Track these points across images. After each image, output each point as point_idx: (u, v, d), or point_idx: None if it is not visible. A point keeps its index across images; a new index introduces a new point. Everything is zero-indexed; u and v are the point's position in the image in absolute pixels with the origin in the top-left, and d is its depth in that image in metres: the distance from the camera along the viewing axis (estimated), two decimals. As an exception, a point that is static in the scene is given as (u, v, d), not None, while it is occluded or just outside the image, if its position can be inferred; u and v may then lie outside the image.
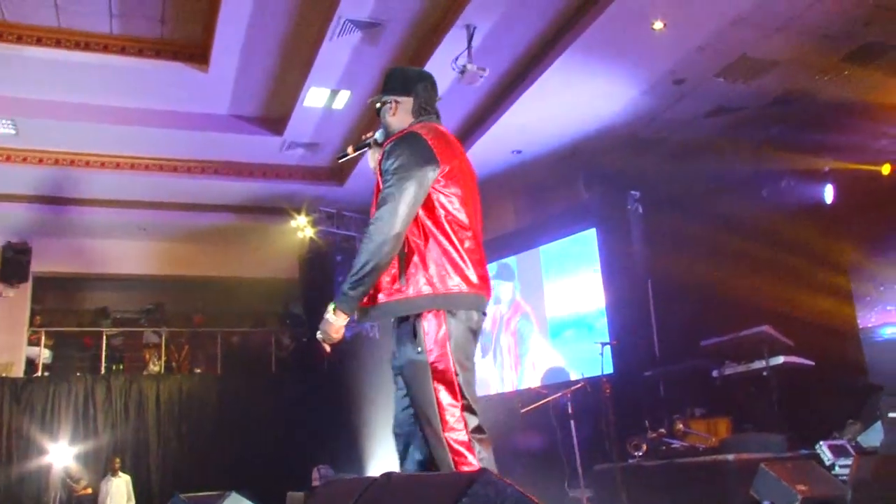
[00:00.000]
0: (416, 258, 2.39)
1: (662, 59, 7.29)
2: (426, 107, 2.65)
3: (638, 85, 7.81)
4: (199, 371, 12.64)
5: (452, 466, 2.27)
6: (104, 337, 12.20)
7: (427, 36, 7.35)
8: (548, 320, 9.22)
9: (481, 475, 1.57)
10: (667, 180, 8.55)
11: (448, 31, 6.93)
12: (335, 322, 2.38)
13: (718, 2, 6.42)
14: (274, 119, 9.47)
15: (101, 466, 10.81)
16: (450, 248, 2.41)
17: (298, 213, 10.94)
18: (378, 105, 2.70)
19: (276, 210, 11.23)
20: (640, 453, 6.53)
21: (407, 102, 2.64)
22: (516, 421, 7.42)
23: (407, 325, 2.41)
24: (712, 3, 6.43)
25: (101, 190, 10.59)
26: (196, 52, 8.19)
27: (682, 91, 7.96)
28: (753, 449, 5.64)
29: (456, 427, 2.31)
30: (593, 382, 6.93)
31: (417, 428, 2.37)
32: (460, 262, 2.40)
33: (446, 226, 2.43)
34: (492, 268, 10.36)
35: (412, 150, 2.45)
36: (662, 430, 6.74)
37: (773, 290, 7.03)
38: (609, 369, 7.53)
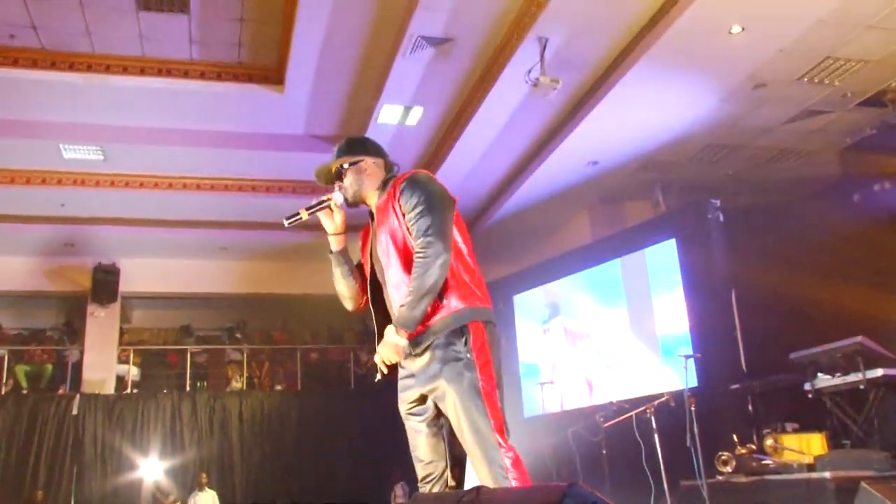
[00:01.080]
0: (449, 277, 2.56)
1: (741, 64, 7.17)
2: (393, 167, 2.81)
3: (716, 92, 7.70)
4: (279, 388, 12.82)
5: (506, 474, 2.38)
6: (188, 354, 12.53)
7: (499, 49, 7.40)
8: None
9: (572, 488, 1.59)
10: (749, 188, 8.39)
11: (520, 44, 6.96)
12: (399, 341, 2.49)
13: (800, 2, 6.28)
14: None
15: (188, 481, 11.09)
16: (473, 269, 2.64)
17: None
18: (345, 165, 2.76)
19: (353, 226, 11.37)
20: (729, 469, 6.41)
21: (379, 163, 2.78)
22: (599, 436, 7.33)
23: (451, 337, 2.54)
24: (794, 4, 6.30)
25: (183, 211, 10.90)
26: (272, 74, 8.40)
27: (763, 96, 7.82)
28: (852, 467, 5.47)
29: (502, 435, 2.45)
30: (677, 396, 6.81)
31: (455, 445, 2.57)
32: (480, 282, 2.63)
33: (464, 248, 2.66)
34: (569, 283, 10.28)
35: (433, 182, 2.63)
36: (752, 446, 6.58)
37: (866, 299, 6.80)
38: (693, 382, 7.43)
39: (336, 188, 2.79)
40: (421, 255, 2.48)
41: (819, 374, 6.47)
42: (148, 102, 8.54)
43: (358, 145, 2.82)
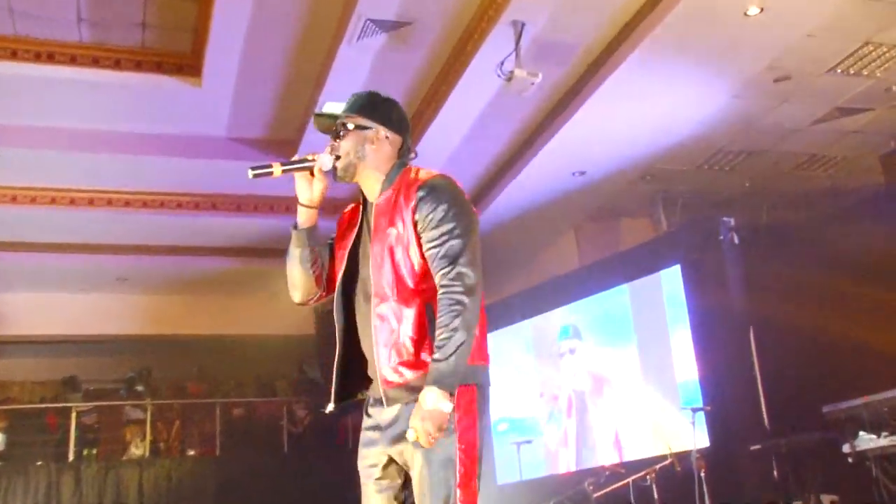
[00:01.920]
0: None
1: (759, 52, 7.20)
2: (410, 153, 2.73)
3: (728, 87, 7.75)
4: (192, 453, 12.59)
5: None
6: (73, 414, 12.10)
7: (466, 36, 7.37)
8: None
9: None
10: (769, 203, 8.47)
11: (492, 30, 6.93)
12: (444, 408, 2.36)
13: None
14: (283, 142, 9.53)
15: None
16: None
17: (316, 255, 11.03)
18: (350, 126, 2.65)
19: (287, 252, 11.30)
20: None
21: (396, 141, 2.68)
22: None
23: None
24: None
25: (69, 232, 10.66)
26: (186, 62, 8.26)
27: (786, 91, 7.86)
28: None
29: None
30: (684, 459, 6.78)
31: None
32: (483, 329, 2.58)
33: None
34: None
35: (460, 193, 2.56)
36: None
37: (918, 338, 6.84)
38: (703, 441, 7.37)
39: (327, 149, 2.66)
40: (452, 289, 2.41)
41: (861, 433, 6.43)
42: (23, 94, 8.27)
43: (378, 107, 2.70)
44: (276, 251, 11.47)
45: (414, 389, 2.46)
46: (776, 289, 8.01)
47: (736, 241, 8.40)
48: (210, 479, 11.93)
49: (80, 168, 9.53)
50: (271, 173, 2.58)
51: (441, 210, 2.49)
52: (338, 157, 2.63)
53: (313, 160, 2.63)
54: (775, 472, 7.46)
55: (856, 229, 7.61)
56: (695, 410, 6.87)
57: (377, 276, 2.56)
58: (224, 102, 8.72)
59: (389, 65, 7.72)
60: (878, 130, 8.68)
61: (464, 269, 2.43)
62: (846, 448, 6.51)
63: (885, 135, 8.74)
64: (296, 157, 2.65)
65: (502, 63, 6.98)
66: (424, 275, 2.51)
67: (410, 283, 2.52)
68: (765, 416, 7.90)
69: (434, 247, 2.48)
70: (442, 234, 2.47)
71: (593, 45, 7.41)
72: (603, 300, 9.77)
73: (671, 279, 8.99)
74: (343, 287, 2.68)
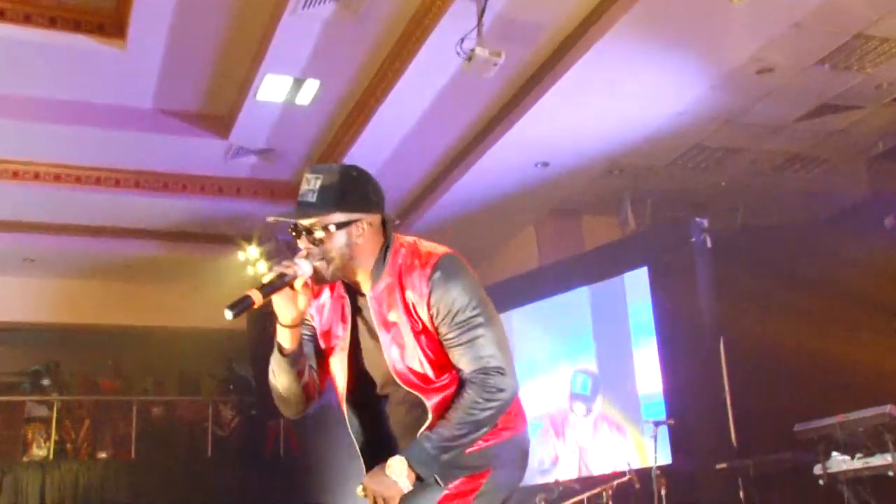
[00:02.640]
0: None
1: (742, 41, 7.22)
2: (390, 224, 2.62)
3: (707, 77, 7.77)
4: (104, 455, 12.44)
5: None
6: (-34, 409, 11.97)
7: (424, 9, 7.30)
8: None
9: None
10: (746, 205, 8.53)
11: (452, 3, 6.88)
12: (402, 483, 2.35)
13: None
14: (217, 116, 9.45)
15: None
16: None
17: (248, 241, 10.98)
18: (332, 227, 2.45)
19: (219, 237, 11.22)
20: None
21: (377, 222, 2.54)
22: None
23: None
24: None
25: None
26: (108, 22, 8.12)
27: (770, 84, 7.88)
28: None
29: None
30: (644, 476, 6.80)
31: None
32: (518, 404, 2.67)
33: None
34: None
35: (471, 274, 2.53)
36: None
37: (897, 356, 6.92)
38: (665, 458, 7.41)
39: (301, 254, 2.46)
40: (488, 393, 2.40)
41: (834, 454, 6.46)
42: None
43: (356, 193, 2.50)
44: (204, 236, 11.52)
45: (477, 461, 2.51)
46: (750, 297, 8.04)
47: (709, 244, 8.44)
48: (123, 485, 11.83)
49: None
50: (252, 304, 2.36)
51: (461, 300, 2.43)
52: (321, 259, 2.45)
53: (293, 273, 2.40)
54: (741, 494, 7.47)
55: (837, 237, 7.71)
56: (657, 424, 6.90)
57: (416, 377, 2.48)
58: (151, 69, 8.58)
59: (338, 37, 7.65)
60: (866, 131, 8.76)
61: (506, 378, 2.43)
62: (817, 469, 6.54)
63: (873, 136, 8.83)
64: (271, 276, 2.41)
65: (462, 40, 6.87)
66: (444, 364, 2.48)
67: (431, 374, 2.47)
68: (732, 433, 7.94)
69: (455, 336, 2.43)
70: (464, 326, 2.43)
71: (562, 25, 7.38)
72: (561, 304, 9.78)
73: (636, 283, 9.01)
74: (349, 394, 2.61)
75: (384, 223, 2.56)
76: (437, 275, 2.43)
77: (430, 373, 2.46)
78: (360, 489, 2.38)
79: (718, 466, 7.56)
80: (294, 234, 2.48)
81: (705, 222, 8.52)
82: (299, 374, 2.54)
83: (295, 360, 2.52)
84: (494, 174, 9.49)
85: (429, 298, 2.43)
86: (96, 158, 9.93)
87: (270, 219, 2.50)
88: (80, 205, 10.54)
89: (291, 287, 2.41)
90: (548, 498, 7.32)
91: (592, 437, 9.39)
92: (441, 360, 2.47)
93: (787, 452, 6.96)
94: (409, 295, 2.45)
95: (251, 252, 10.98)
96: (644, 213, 9.97)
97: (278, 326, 2.48)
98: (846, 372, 7.00)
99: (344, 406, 2.62)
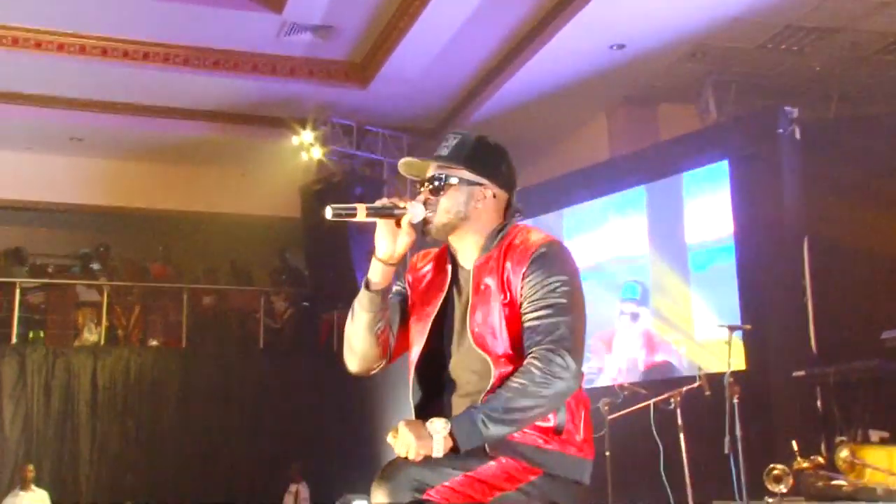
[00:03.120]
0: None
1: None
2: (517, 212, 2.72)
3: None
4: (155, 343, 12.70)
5: None
6: (17, 291, 12.13)
7: None
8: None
9: None
10: (842, 93, 8.25)
11: None
12: (436, 448, 2.36)
13: None
14: (277, -10, 9.39)
15: (5, 476, 10.89)
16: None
17: (303, 125, 10.94)
18: (454, 180, 2.61)
19: (271, 120, 11.18)
20: (783, 489, 6.40)
21: (502, 199, 2.67)
22: (602, 430, 7.24)
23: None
24: None
25: (14, 80, 10.53)
26: None
27: (875, -44, 7.62)
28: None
29: None
30: (715, 382, 6.72)
31: None
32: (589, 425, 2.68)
33: None
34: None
35: (573, 265, 2.58)
36: (819, 458, 6.59)
37: None
38: (740, 365, 7.39)
39: (420, 198, 2.62)
40: (549, 367, 2.42)
41: (923, 365, 6.41)
42: None
43: (488, 158, 2.67)
44: (256, 118, 11.50)
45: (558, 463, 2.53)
46: (839, 196, 7.91)
47: (798, 136, 8.24)
48: (174, 373, 12.14)
49: (24, 4, 9.33)
50: (354, 215, 2.53)
51: (554, 280, 2.49)
52: (433, 212, 2.59)
53: (404, 209, 2.55)
54: (819, 403, 7.45)
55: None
56: (732, 329, 6.70)
57: (492, 341, 2.53)
58: (201, -65, 8.53)
59: None
60: None
61: (573, 358, 2.43)
62: (904, 380, 6.52)
63: None
64: (384, 201, 2.57)
65: None
66: (518, 345, 2.52)
67: (505, 345, 2.52)
68: (812, 339, 7.85)
69: (537, 319, 2.47)
70: (548, 308, 2.47)
71: None
72: (632, 198, 9.67)
73: (717, 176, 8.84)
74: (420, 363, 2.66)
75: (509, 205, 2.67)
76: (540, 251, 2.52)
77: (504, 343, 2.51)
78: (391, 434, 2.41)
79: (796, 374, 7.53)
80: (420, 182, 2.64)
81: (795, 112, 8.28)
82: (378, 320, 2.61)
83: (379, 300, 2.60)
84: (565, 57, 9.35)
85: (525, 272, 2.51)
86: (144, 32, 9.92)
87: (401, 162, 2.70)
88: (128, 81, 10.55)
89: (398, 223, 2.55)
90: (611, 402, 7.29)
91: (640, 349, 9.40)
92: (515, 340, 2.51)
93: (872, 361, 6.85)
94: (508, 266, 2.53)
95: (305, 137, 10.95)
96: (727, 101, 9.74)
97: (373, 259, 2.60)
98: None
99: (411, 376, 2.66)
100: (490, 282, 2.55)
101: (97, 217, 13.16)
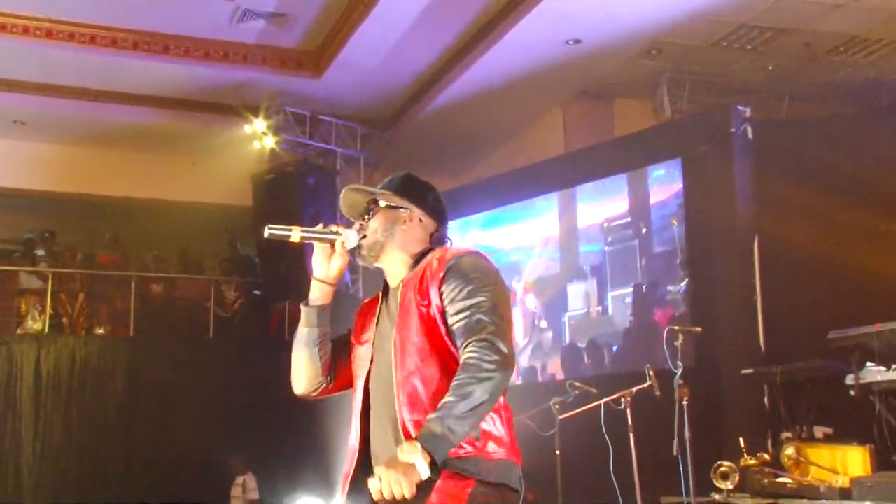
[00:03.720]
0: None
1: None
2: (444, 241, 2.89)
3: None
4: (101, 332, 12.53)
5: None
6: (-43, 277, 12.06)
7: None
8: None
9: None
10: (794, 93, 8.30)
11: None
12: (419, 464, 2.40)
13: None
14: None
15: None
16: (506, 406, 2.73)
17: (255, 114, 10.88)
18: (382, 203, 2.82)
19: (223, 108, 11.11)
20: (730, 486, 6.49)
21: (429, 226, 2.86)
22: (552, 429, 7.23)
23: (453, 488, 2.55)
24: None
25: None
26: None
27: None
28: (905, 497, 5.53)
29: None
30: (665, 381, 6.75)
31: None
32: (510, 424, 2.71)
33: None
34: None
35: (490, 266, 2.70)
36: (765, 456, 6.65)
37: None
38: (689, 362, 7.36)
39: (355, 225, 2.84)
40: (478, 357, 2.50)
41: (868, 364, 6.45)
42: None
43: (416, 189, 2.89)
44: (207, 105, 11.38)
45: (478, 469, 2.55)
46: (790, 196, 7.96)
47: (750, 135, 8.32)
48: (121, 362, 11.95)
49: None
50: (289, 237, 2.75)
51: (470, 282, 2.61)
52: (364, 236, 2.79)
53: (337, 233, 2.78)
54: (766, 401, 7.56)
55: (891, 134, 7.50)
56: (682, 331, 6.57)
57: (403, 350, 2.65)
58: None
59: None
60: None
61: (498, 342, 2.49)
62: (849, 379, 6.55)
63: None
64: (319, 227, 2.80)
65: None
66: (451, 351, 2.61)
67: (438, 359, 2.62)
68: (761, 338, 7.95)
69: (461, 319, 2.57)
70: (470, 307, 2.57)
71: None
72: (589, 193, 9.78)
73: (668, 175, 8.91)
74: (366, 383, 2.78)
75: (436, 235, 2.85)
76: (452, 262, 2.66)
77: (437, 357, 2.62)
78: (373, 485, 2.42)
79: (744, 372, 7.59)
80: (359, 211, 2.85)
81: (748, 111, 8.38)
82: (318, 336, 2.83)
83: (316, 316, 2.82)
84: (521, 50, 9.36)
85: (442, 277, 2.64)
86: (92, 15, 9.80)
87: (341, 196, 2.89)
88: (74, 65, 10.43)
89: (332, 246, 2.77)
90: (563, 402, 7.29)
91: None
92: (435, 344, 2.62)
93: (819, 360, 6.94)
94: (428, 282, 2.66)
95: (258, 125, 10.88)
96: (682, 98, 9.82)
97: (312, 280, 2.83)
98: (887, 282, 6.97)
99: (358, 399, 2.79)
100: (412, 294, 2.68)
101: (42, 202, 13.00)
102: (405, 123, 11.39)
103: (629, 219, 9.64)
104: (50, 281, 12.29)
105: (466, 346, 2.52)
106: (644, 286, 9.35)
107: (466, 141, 11.41)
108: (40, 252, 12.67)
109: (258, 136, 10.94)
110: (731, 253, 8.27)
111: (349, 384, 2.86)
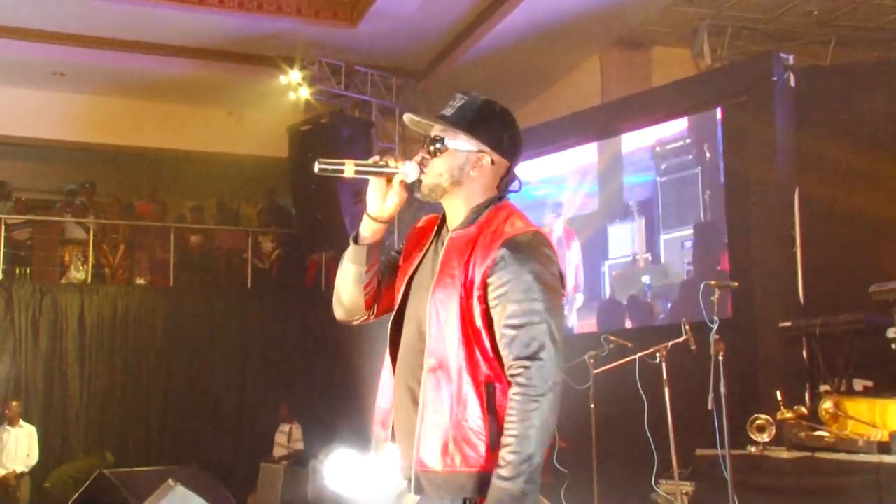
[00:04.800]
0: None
1: None
2: (514, 183, 2.65)
3: None
4: (141, 282, 12.66)
5: None
6: (2, 225, 12.06)
7: None
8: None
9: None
10: (839, 40, 8.09)
11: None
12: None
13: None
14: None
15: None
16: None
17: (290, 64, 10.82)
18: (449, 142, 2.53)
19: (258, 59, 11.06)
20: (766, 438, 6.52)
21: (501, 167, 2.59)
22: (587, 383, 7.22)
23: None
24: None
25: None
26: None
27: None
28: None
29: None
30: (701, 335, 6.71)
31: None
32: None
33: None
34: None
35: (550, 257, 2.48)
36: (802, 409, 6.65)
37: None
38: (725, 314, 7.32)
39: (416, 157, 2.57)
40: (526, 389, 2.35)
41: (911, 317, 6.38)
42: None
43: (490, 124, 2.57)
44: (243, 56, 11.34)
45: (452, 486, 2.40)
46: (832, 147, 7.82)
47: (792, 83, 8.15)
48: (161, 312, 12.10)
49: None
50: (342, 172, 2.52)
51: (525, 282, 2.39)
52: (424, 173, 2.55)
53: (396, 168, 2.53)
54: (805, 353, 7.49)
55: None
56: (719, 286, 6.44)
57: (436, 328, 2.47)
58: None
59: None
60: None
61: (545, 364, 2.36)
62: (890, 332, 6.45)
63: None
64: (375, 159, 2.56)
65: None
66: (488, 347, 2.43)
67: (475, 352, 2.44)
68: (800, 290, 7.86)
69: (512, 327, 2.38)
70: (523, 314, 2.38)
71: None
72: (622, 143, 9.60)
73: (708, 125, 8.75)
74: (396, 316, 2.64)
75: (506, 179, 2.59)
76: (506, 249, 2.42)
77: (473, 350, 2.43)
78: None
79: (783, 325, 7.53)
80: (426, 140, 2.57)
81: (790, 59, 8.19)
82: (365, 274, 2.63)
83: (366, 254, 2.61)
84: (552, -4, 9.23)
85: (489, 270, 2.42)
86: (129, -34, 9.78)
87: (406, 117, 2.63)
88: (111, 16, 10.37)
89: (389, 181, 2.54)
90: (597, 355, 7.28)
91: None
92: (489, 343, 2.43)
93: (859, 313, 6.85)
94: (478, 257, 2.45)
95: (293, 76, 10.82)
96: (722, 46, 9.68)
97: (365, 216, 2.61)
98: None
99: (389, 330, 2.66)
100: (456, 260, 2.48)
101: (82, 153, 13.02)
102: (440, 73, 11.30)
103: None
104: (91, 231, 12.41)
105: (513, 367, 2.38)
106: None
107: (502, 91, 11.15)
108: (81, 202, 12.73)
109: (293, 88, 10.89)
110: (770, 205, 8.17)
111: (391, 308, 2.69)
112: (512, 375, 2.37)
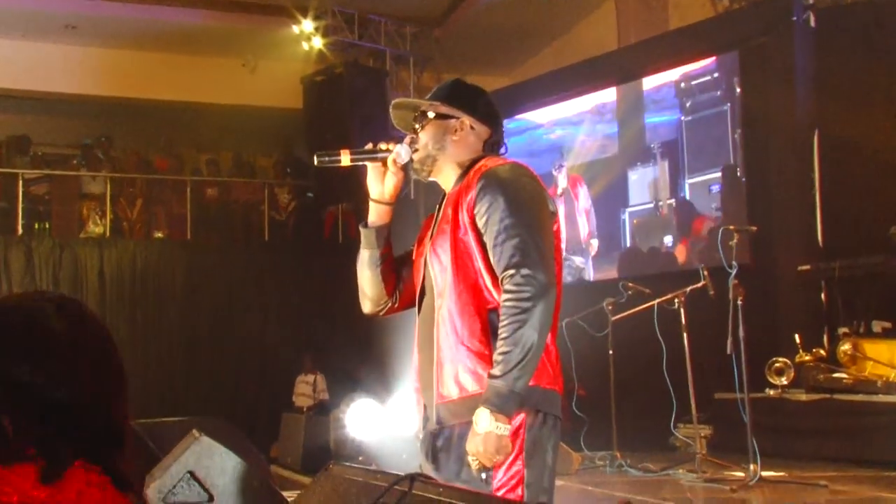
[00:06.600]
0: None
1: None
2: (500, 147, 2.79)
3: None
4: (159, 235, 12.71)
5: None
6: (20, 181, 12.07)
7: None
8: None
9: None
10: None
11: None
12: (498, 431, 2.38)
13: None
14: None
15: None
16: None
17: (303, 14, 10.79)
18: (431, 114, 2.72)
19: (271, 8, 11.03)
20: (785, 381, 6.61)
21: (482, 133, 2.74)
22: (605, 329, 7.25)
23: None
24: None
25: None
26: None
27: None
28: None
29: None
30: (720, 280, 6.73)
31: None
32: (553, 346, 2.58)
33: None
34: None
35: (526, 180, 2.59)
36: (821, 352, 6.78)
37: None
38: (744, 258, 7.35)
39: (406, 140, 2.74)
40: (518, 295, 2.43)
41: (930, 259, 6.41)
42: None
43: (465, 95, 2.78)
44: (255, 5, 11.33)
45: (468, 409, 2.46)
46: (853, 88, 7.77)
47: (812, 24, 8.09)
48: (180, 265, 12.17)
49: None
50: (339, 162, 2.68)
51: (500, 203, 2.50)
52: (416, 150, 2.70)
53: (388, 151, 2.69)
54: (823, 296, 7.55)
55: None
56: (738, 231, 6.58)
57: (440, 272, 2.60)
58: None
59: None
60: None
61: (530, 271, 2.42)
62: (910, 274, 6.53)
63: None
64: (368, 146, 2.71)
65: None
66: (487, 279, 2.53)
67: (478, 283, 2.54)
68: (819, 234, 7.88)
69: (496, 245, 2.49)
70: (501, 232, 2.48)
71: None
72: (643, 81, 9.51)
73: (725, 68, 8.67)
74: (420, 293, 2.72)
75: (489, 141, 2.73)
76: (483, 181, 2.54)
77: (471, 282, 2.55)
78: (472, 463, 2.41)
79: (801, 268, 7.60)
80: (410, 126, 2.75)
81: (811, -2, 8.11)
82: (378, 257, 2.75)
83: (374, 237, 2.75)
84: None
85: (472, 205, 2.54)
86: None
87: (391, 108, 2.77)
88: (122, -33, 10.35)
89: (384, 164, 2.69)
90: (615, 302, 7.30)
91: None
92: (488, 275, 2.53)
93: (878, 255, 6.93)
94: (462, 197, 2.57)
95: (306, 26, 10.76)
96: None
97: (369, 201, 2.76)
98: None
99: (417, 305, 2.75)
100: (450, 212, 2.60)
101: (95, 107, 12.96)
102: (455, 21, 11.21)
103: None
104: (108, 185, 12.43)
105: (502, 280, 2.47)
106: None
107: (517, 38, 11.23)
108: (98, 155, 12.75)
109: (307, 38, 10.85)
110: (789, 148, 8.16)
111: (415, 298, 2.78)
112: (503, 288, 2.45)
